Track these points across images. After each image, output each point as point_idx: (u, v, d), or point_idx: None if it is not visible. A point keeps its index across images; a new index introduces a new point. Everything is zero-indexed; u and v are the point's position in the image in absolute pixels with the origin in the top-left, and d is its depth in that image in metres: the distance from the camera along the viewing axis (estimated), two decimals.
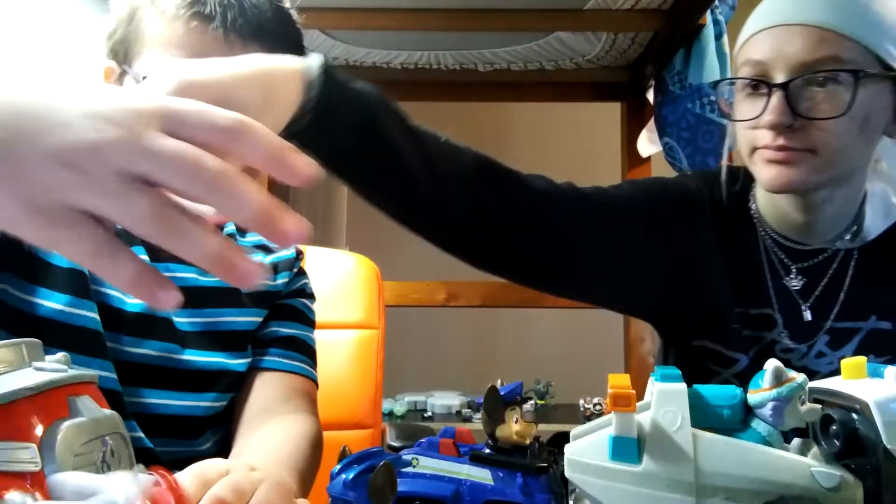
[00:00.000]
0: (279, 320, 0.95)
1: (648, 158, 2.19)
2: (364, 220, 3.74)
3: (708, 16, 1.74)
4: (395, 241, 3.56)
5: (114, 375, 0.78)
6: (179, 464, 0.82)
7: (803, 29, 0.82)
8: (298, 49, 0.84)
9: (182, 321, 0.85)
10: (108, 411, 0.40)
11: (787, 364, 1.00)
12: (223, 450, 0.86)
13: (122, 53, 0.79)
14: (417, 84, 2.20)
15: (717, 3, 1.72)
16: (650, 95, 2.04)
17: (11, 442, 0.34)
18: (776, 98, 0.82)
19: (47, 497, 0.34)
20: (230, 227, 0.96)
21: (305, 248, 1.38)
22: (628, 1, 1.65)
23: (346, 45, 1.88)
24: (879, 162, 0.93)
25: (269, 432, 0.81)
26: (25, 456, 0.34)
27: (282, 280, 0.97)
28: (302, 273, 1.02)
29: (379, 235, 3.70)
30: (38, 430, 0.35)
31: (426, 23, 1.75)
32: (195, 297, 0.86)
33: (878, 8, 0.82)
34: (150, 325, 0.81)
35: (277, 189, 2.15)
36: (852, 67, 0.81)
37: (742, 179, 0.99)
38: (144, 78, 0.75)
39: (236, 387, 0.88)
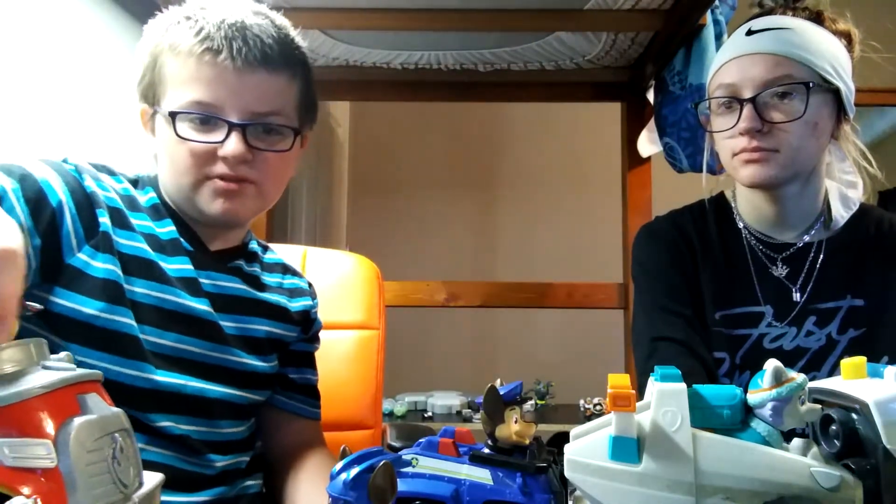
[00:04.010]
0: (306, 367, 1.08)
1: (648, 158, 2.18)
2: (364, 221, 3.74)
3: (708, 16, 1.74)
4: (395, 241, 3.58)
5: (148, 375, 0.84)
6: (213, 446, 0.90)
7: (762, 56, 1.03)
8: (304, 67, 0.95)
9: (226, 325, 0.93)
10: (114, 408, 0.41)
11: (780, 349, 1.06)
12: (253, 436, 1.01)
13: (151, 96, 0.90)
14: (417, 84, 2.20)
15: (717, 3, 1.72)
16: (650, 95, 2.04)
17: (27, 438, 0.35)
18: (747, 109, 1.02)
19: (63, 492, 0.35)
20: (253, 243, 1.03)
21: (306, 249, 1.38)
22: (628, 1, 1.65)
23: (346, 45, 1.87)
24: (830, 164, 1.14)
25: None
26: (42, 452, 0.35)
27: (303, 302, 1.05)
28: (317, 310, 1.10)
29: (379, 235, 3.71)
30: (51, 428, 0.36)
31: (426, 23, 1.75)
32: (234, 304, 0.95)
33: (814, 43, 1.04)
34: (200, 325, 0.90)
35: None
36: (803, 82, 1.01)
37: (719, 201, 1.18)
38: (171, 114, 0.85)
39: (262, 386, 0.99)
